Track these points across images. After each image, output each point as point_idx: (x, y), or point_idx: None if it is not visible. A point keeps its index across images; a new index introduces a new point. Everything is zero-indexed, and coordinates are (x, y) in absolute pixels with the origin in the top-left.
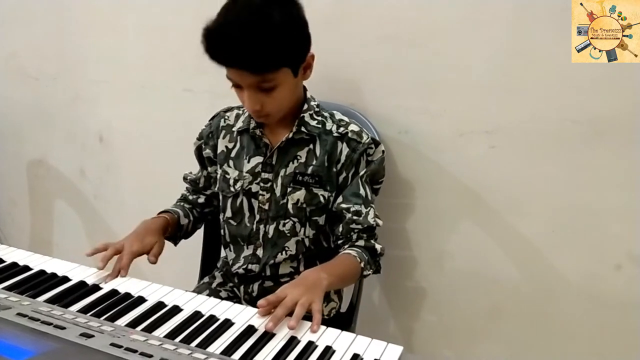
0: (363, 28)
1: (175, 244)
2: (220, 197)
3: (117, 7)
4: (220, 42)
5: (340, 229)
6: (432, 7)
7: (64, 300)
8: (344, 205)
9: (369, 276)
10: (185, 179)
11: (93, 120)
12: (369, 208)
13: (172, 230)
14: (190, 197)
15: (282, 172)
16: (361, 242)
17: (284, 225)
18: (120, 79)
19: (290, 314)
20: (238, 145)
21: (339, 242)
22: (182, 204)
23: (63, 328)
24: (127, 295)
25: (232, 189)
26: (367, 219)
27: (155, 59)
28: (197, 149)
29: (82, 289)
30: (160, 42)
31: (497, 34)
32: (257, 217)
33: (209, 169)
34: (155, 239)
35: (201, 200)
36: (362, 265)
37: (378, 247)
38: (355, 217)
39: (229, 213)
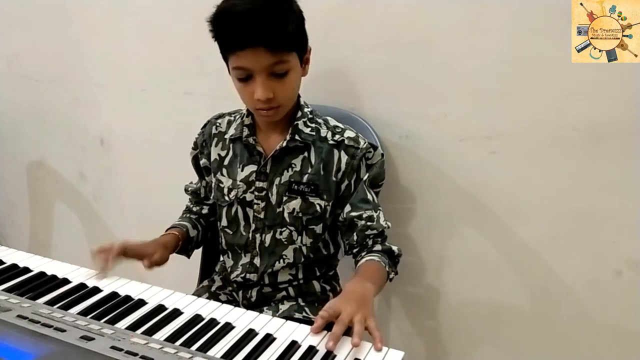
0: (363, 33)
1: (189, 256)
2: (217, 206)
3: (117, 10)
4: (236, 21)
5: (355, 237)
6: (433, 12)
7: (64, 302)
8: (354, 214)
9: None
10: (186, 190)
11: (93, 123)
12: (378, 212)
13: (183, 244)
14: (194, 209)
15: (276, 181)
16: (378, 247)
17: (280, 233)
18: (120, 81)
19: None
20: (231, 153)
21: (355, 250)
22: (188, 215)
23: (63, 330)
24: (128, 298)
25: (226, 197)
26: (380, 223)
27: (156, 61)
28: (193, 159)
29: (82, 291)
30: (161, 45)
31: (497, 38)
32: (253, 226)
33: (207, 178)
34: (156, 250)
35: (205, 211)
36: (387, 269)
37: (395, 248)
38: (369, 223)
39: (224, 222)
